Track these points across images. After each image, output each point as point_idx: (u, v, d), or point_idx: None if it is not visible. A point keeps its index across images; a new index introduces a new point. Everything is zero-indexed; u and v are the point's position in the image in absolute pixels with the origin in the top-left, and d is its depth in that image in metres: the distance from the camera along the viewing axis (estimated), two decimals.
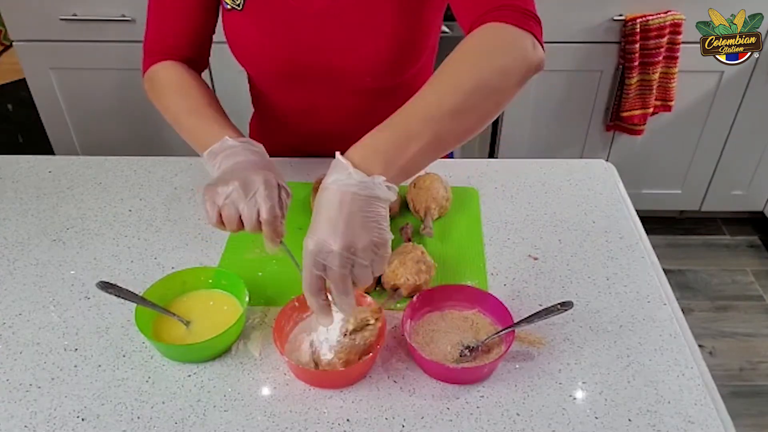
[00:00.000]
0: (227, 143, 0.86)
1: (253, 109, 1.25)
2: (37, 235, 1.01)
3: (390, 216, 1.03)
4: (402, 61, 1.00)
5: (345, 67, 1.00)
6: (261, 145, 0.89)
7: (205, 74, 1.10)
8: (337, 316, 0.77)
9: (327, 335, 0.77)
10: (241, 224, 0.79)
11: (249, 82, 1.17)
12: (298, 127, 1.15)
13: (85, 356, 0.81)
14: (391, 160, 0.67)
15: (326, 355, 0.76)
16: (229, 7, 1.00)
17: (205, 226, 1.03)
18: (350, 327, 0.76)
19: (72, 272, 0.94)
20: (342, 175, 0.66)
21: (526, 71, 0.75)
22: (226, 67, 1.12)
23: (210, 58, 1.09)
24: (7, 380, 0.78)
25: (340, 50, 0.99)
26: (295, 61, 1.01)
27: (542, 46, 0.77)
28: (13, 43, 2.03)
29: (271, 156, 1.06)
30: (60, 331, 0.85)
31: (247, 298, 0.83)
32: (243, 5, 0.98)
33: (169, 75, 1.00)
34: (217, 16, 1.05)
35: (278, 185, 0.80)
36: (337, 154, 0.68)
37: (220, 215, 0.79)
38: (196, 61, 1.05)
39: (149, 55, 1.03)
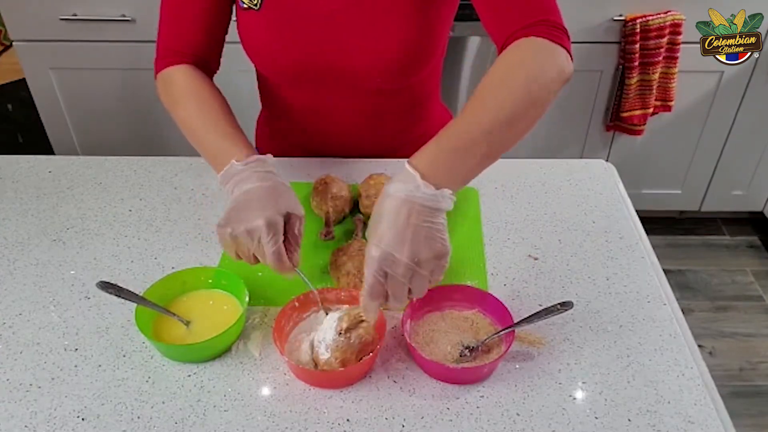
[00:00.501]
0: (234, 168, 0.84)
1: (260, 107, 1.25)
2: (37, 235, 1.01)
3: None
4: (412, 63, 1.01)
5: (357, 67, 1.01)
6: (270, 161, 0.87)
7: None
8: (332, 315, 0.78)
9: (324, 335, 0.77)
10: (257, 260, 0.81)
11: (258, 80, 1.17)
12: (308, 126, 1.16)
13: (85, 356, 0.81)
14: (455, 171, 0.73)
15: (324, 354, 0.76)
16: (245, 6, 0.99)
17: (205, 226, 1.03)
18: (344, 325, 0.76)
19: (72, 272, 0.94)
20: (410, 186, 0.70)
21: (562, 83, 0.82)
22: (230, 66, 1.12)
23: None
24: (7, 380, 0.78)
25: (352, 51, 0.99)
26: (307, 62, 1.01)
27: (572, 58, 0.84)
28: (13, 43, 2.03)
29: (279, 155, 1.10)
30: (60, 331, 0.85)
31: (247, 298, 0.83)
32: (260, 5, 0.98)
33: (184, 82, 0.97)
34: (230, 16, 1.04)
35: (288, 215, 0.80)
36: (406, 163, 0.72)
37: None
38: (210, 63, 1.04)
39: (163, 56, 1.01)
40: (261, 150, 1.29)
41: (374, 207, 0.73)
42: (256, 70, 1.12)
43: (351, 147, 1.16)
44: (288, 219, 0.80)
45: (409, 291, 0.72)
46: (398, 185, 0.70)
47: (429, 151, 0.73)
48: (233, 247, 0.80)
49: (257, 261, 0.81)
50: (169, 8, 1.00)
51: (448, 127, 0.75)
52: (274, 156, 1.10)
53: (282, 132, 1.21)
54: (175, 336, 0.82)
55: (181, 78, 0.98)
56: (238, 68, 1.18)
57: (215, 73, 1.06)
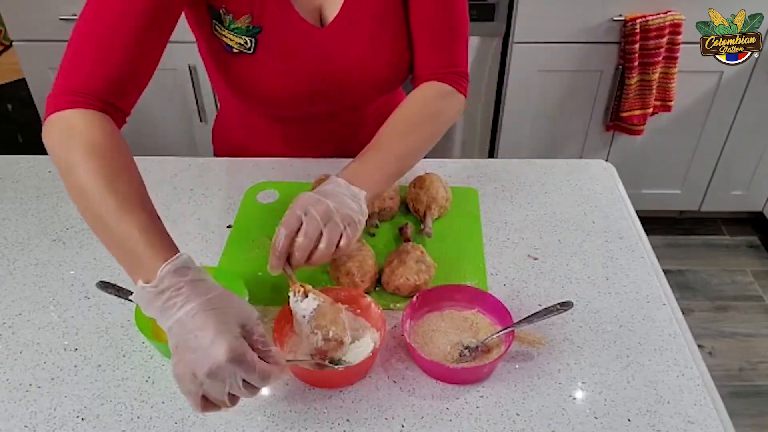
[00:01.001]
0: (164, 284, 0.65)
1: (214, 108, 1.25)
2: (37, 235, 1.01)
3: (389, 216, 1.04)
4: (396, 78, 1.07)
5: (358, 81, 1.04)
6: (187, 261, 0.67)
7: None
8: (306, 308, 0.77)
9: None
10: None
11: (217, 89, 1.17)
12: (280, 138, 1.17)
13: (85, 356, 0.81)
14: (369, 183, 0.85)
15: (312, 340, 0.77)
16: (236, 50, 0.97)
17: (205, 226, 1.03)
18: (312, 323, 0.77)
19: (72, 272, 0.94)
20: (334, 183, 0.83)
21: (455, 120, 1.05)
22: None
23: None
24: (7, 380, 0.78)
25: (348, 71, 1.02)
26: (305, 90, 1.03)
27: (466, 97, 1.05)
28: (13, 43, 2.03)
29: (254, 156, 1.18)
30: (60, 331, 0.85)
31: (246, 298, 0.83)
32: (254, 48, 0.96)
33: (91, 138, 0.74)
34: (160, 55, 0.87)
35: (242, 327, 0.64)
36: (333, 176, 0.85)
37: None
38: (121, 110, 0.83)
39: (62, 93, 0.79)
40: (218, 151, 1.28)
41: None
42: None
43: (329, 151, 1.19)
44: (243, 330, 0.64)
45: (315, 249, 0.77)
46: (325, 184, 0.83)
47: (352, 168, 0.87)
48: (200, 400, 0.64)
49: (236, 400, 0.65)
50: (83, 36, 0.82)
51: (367, 152, 0.90)
52: (238, 156, 1.18)
53: (246, 139, 1.20)
54: None
55: (85, 131, 0.75)
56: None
57: (124, 118, 0.86)
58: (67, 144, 0.75)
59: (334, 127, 1.14)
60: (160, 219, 0.72)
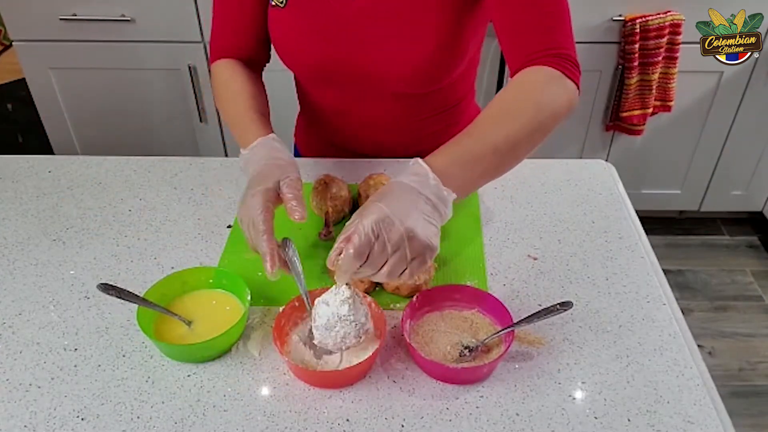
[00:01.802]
0: (243, 156, 0.92)
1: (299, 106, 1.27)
2: (37, 235, 1.01)
3: None
4: (436, 71, 1.00)
5: (379, 71, 1.01)
6: (272, 143, 0.90)
7: None
8: (321, 303, 0.76)
9: (328, 320, 0.75)
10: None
11: (294, 78, 1.18)
12: (336, 126, 1.16)
13: (85, 356, 0.81)
14: (460, 180, 0.75)
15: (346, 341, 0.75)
16: (273, 3, 1.02)
17: (205, 226, 1.03)
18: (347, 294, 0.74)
19: (72, 272, 0.94)
20: (421, 177, 0.73)
21: (568, 115, 0.87)
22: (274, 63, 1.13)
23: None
24: (7, 380, 0.78)
25: (375, 54, 0.99)
26: (331, 62, 1.02)
27: (579, 91, 0.89)
28: (13, 43, 2.04)
29: (315, 151, 1.21)
30: (60, 330, 0.85)
31: (248, 298, 0.83)
32: (286, 2, 1.00)
33: (222, 78, 1.05)
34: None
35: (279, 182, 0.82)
36: (418, 160, 0.75)
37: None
38: (255, 58, 1.09)
39: (213, 51, 1.09)
40: (299, 146, 1.30)
41: (381, 188, 0.74)
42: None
43: (384, 149, 1.16)
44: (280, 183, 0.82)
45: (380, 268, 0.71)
46: (410, 176, 0.73)
47: (440, 156, 0.76)
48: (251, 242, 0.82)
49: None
50: (217, 7, 1.07)
51: (460, 139, 0.79)
52: (312, 153, 1.19)
53: (315, 129, 1.22)
54: (176, 336, 0.82)
55: (221, 74, 1.06)
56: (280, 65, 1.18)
57: (264, 64, 1.12)
58: (214, 85, 1.08)
59: (382, 122, 1.10)
60: (260, 115, 0.97)
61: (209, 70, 1.08)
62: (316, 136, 1.23)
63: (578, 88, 0.88)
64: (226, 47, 1.07)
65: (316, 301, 0.77)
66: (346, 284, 0.74)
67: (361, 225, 0.69)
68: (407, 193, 0.72)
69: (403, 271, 0.71)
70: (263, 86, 1.08)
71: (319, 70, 1.05)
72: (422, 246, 0.70)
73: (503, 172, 0.83)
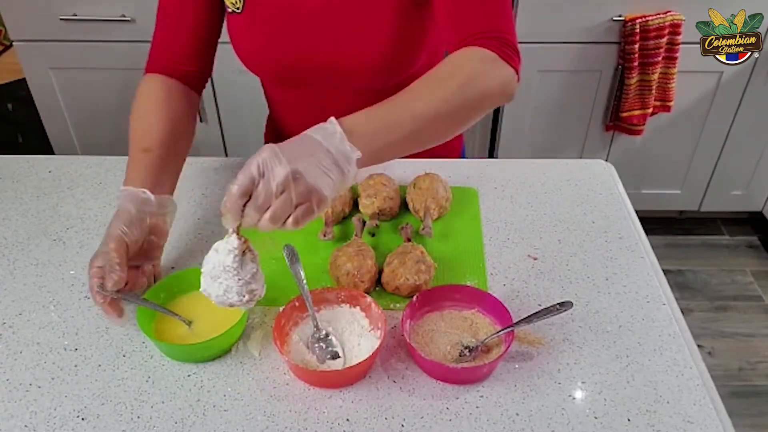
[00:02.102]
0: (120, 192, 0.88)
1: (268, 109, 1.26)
2: (38, 235, 1.02)
3: (389, 216, 1.04)
4: (396, 64, 1.00)
5: (341, 67, 1.01)
6: (130, 201, 0.86)
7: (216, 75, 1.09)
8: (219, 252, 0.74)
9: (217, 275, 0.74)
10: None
11: (260, 80, 1.18)
12: (303, 125, 1.15)
13: (85, 356, 0.81)
14: (372, 141, 0.73)
15: (231, 299, 0.74)
16: (230, 10, 1.01)
17: (205, 226, 1.03)
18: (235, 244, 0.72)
19: (72, 272, 0.94)
20: (328, 132, 0.71)
21: (500, 100, 0.85)
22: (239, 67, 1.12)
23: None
24: (7, 380, 0.79)
25: (334, 51, 1.00)
26: (292, 62, 1.02)
27: (519, 79, 0.86)
28: (13, 43, 2.03)
29: None
30: (60, 330, 0.85)
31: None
32: (242, 8, 0.99)
33: (141, 96, 1.00)
34: (222, 24, 1.05)
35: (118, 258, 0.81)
36: (331, 117, 0.73)
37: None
38: (196, 74, 1.05)
39: (150, 62, 1.03)
40: None
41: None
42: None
43: None
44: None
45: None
46: (318, 129, 0.72)
47: (356, 116, 0.74)
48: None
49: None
50: (160, 19, 1.02)
51: (381, 104, 0.76)
52: None
53: (283, 131, 1.21)
54: (176, 336, 0.82)
55: (141, 90, 1.01)
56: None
57: (205, 78, 1.07)
58: (135, 100, 1.00)
59: (346, 113, 1.10)
60: (155, 159, 0.91)
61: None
62: (285, 136, 1.22)
63: (517, 74, 0.85)
64: (162, 61, 1.02)
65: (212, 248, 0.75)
66: (237, 235, 0.72)
67: (248, 163, 0.68)
68: (307, 143, 0.70)
69: (288, 218, 0.68)
70: (187, 109, 1.02)
71: (281, 72, 1.05)
72: (308, 189, 0.68)
73: (423, 143, 0.79)
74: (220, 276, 0.73)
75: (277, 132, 1.24)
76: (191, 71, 1.04)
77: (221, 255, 0.73)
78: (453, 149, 1.26)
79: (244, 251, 0.73)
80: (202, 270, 0.75)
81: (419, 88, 0.78)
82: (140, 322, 0.80)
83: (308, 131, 0.72)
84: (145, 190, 0.87)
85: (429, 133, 0.79)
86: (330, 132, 0.71)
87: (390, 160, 0.77)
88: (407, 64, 1.02)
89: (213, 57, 1.07)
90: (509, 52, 0.84)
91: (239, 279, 0.73)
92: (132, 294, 0.83)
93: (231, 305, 0.75)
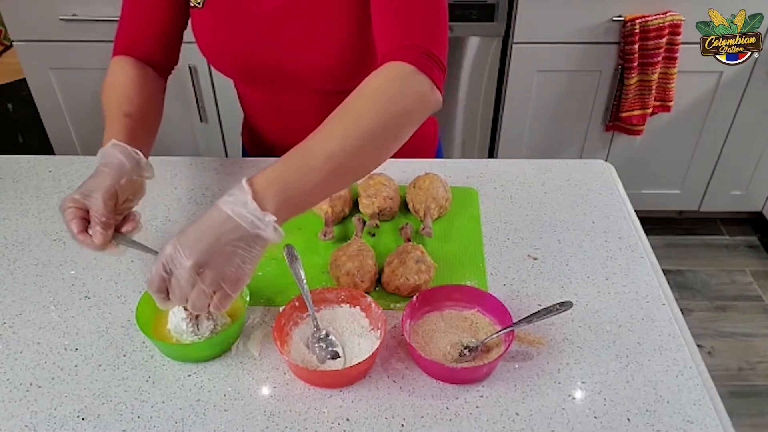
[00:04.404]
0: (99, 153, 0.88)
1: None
2: (38, 235, 1.02)
3: (389, 216, 1.04)
4: (354, 67, 0.99)
5: (298, 69, 1.02)
6: (121, 150, 0.86)
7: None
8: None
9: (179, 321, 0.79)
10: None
11: (234, 84, 1.19)
12: (271, 124, 1.18)
13: (85, 356, 0.81)
14: (288, 195, 0.69)
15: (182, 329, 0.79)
16: (192, 5, 1.02)
17: None
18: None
19: (72, 272, 0.94)
20: (239, 202, 0.67)
21: (422, 113, 0.81)
22: None
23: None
24: (8, 380, 0.79)
25: (292, 52, 1.00)
26: (252, 60, 1.03)
27: (440, 89, 0.82)
28: (13, 43, 2.03)
29: (261, 153, 1.19)
30: (60, 330, 0.85)
31: (247, 298, 0.83)
32: (203, 3, 1.00)
33: (112, 75, 1.00)
34: (188, 16, 1.06)
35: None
36: (243, 180, 0.69)
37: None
38: (158, 60, 1.05)
39: (115, 46, 1.04)
40: (245, 144, 1.31)
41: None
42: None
43: None
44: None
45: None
46: (228, 198, 0.68)
47: (269, 172, 0.70)
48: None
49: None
50: (127, 8, 1.03)
51: (293, 152, 0.73)
52: (256, 152, 1.18)
53: (255, 128, 1.22)
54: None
55: (112, 70, 1.01)
56: None
57: (171, 67, 1.08)
58: (105, 80, 1.01)
59: (314, 119, 1.08)
60: (134, 124, 0.92)
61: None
62: (257, 134, 1.23)
63: (437, 85, 0.82)
64: (129, 45, 1.02)
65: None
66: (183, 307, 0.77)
67: (156, 260, 0.68)
68: (213, 220, 0.67)
69: (210, 303, 0.68)
70: (160, 91, 1.04)
71: (242, 70, 1.06)
72: (216, 279, 0.66)
73: (348, 179, 0.78)
74: (183, 333, 0.80)
75: (250, 131, 1.25)
76: (157, 60, 1.04)
77: (177, 318, 0.79)
78: (426, 150, 1.25)
79: (197, 315, 0.78)
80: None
81: (331, 126, 0.75)
82: (139, 321, 0.80)
83: (219, 202, 0.69)
84: (138, 150, 0.87)
85: (351, 169, 0.75)
86: (241, 201, 0.67)
87: (318, 203, 0.76)
88: (365, 67, 0.99)
89: (179, 47, 1.07)
90: (428, 63, 0.81)
91: (199, 338, 0.79)
92: (145, 247, 0.82)
93: (182, 335, 0.80)
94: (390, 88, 0.79)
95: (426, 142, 1.25)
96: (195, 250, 0.66)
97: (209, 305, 0.68)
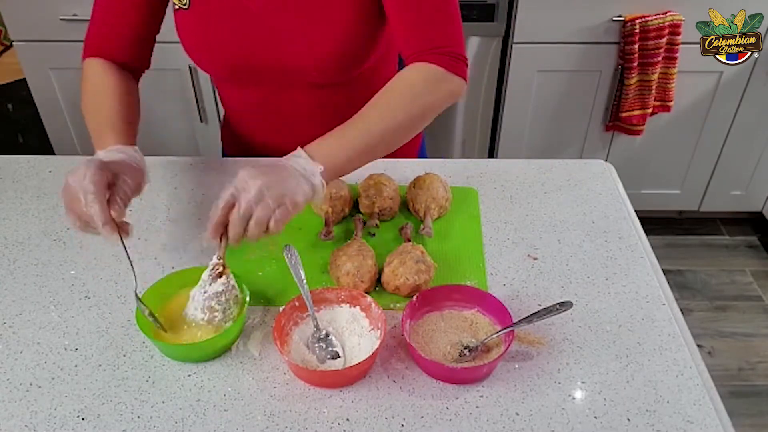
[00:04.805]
0: (99, 155, 0.89)
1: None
2: (38, 235, 1.02)
3: (389, 216, 1.04)
4: (349, 59, 1.01)
5: (293, 62, 1.01)
6: (132, 152, 0.90)
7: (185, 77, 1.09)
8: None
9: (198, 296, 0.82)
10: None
11: (211, 80, 1.18)
12: (258, 124, 1.17)
13: (85, 356, 0.81)
14: (332, 159, 0.84)
15: (195, 315, 0.81)
16: (177, 6, 1.01)
17: (205, 226, 1.03)
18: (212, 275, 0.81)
19: (72, 272, 0.94)
20: (294, 155, 0.83)
21: (449, 103, 0.95)
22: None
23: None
24: (8, 380, 0.79)
25: (287, 45, 1.00)
26: (245, 58, 1.02)
27: (467, 80, 0.96)
28: (13, 43, 2.03)
29: (243, 154, 1.19)
30: (60, 330, 0.85)
31: (247, 298, 0.83)
32: (189, 4, 1.00)
33: (93, 77, 1.01)
34: (162, 20, 1.05)
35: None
36: (298, 148, 0.84)
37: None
38: (131, 63, 1.05)
39: (87, 48, 1.03)
40: (225, 147, 1.30)
41: None
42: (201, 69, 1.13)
43: (302, 140, 1.16)
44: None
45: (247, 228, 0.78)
46: (286, 157, 0.83)
47: (317, 142, 0.86)
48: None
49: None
50: (98, 9, 1.03)
51: (341, 127, 0.87)
52: (238, 154, 1.19)
53: (238, 129, 1.22)
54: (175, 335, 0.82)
55: (90, 72, 1.01)
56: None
57: (142, 71, 1.09)
58: (83, 82, 1.02)
59: (303, 115, 1.11)
60: (121, 123, 0.94)
61: (82, 62, 1.03)
62: (241, 135, 1.22)
63: (465, 79, 0.95)
64: (103, 48, 1.02)
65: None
66: (217, 255, 0.82)
67: (227, 185, 0.79)
68: (275, 165, 0.81)
69: (269, 221, 0.77)
70: (137, 93, 1.05)
71: (234, 68, 1.05)
72: (281, 194, 0.78)
73: (377, 155, 0.90)
74: (196, 294, 0.82)
75: (233, 132, 1.24)
76: (129, 63, 1.04)
77: (203, 275, 0.82)
78: (409, 151, 1.26)
79: (220, 273, 0.81)
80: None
81: (369, 112, 0.89)
82: (139, 322, 0.80)
83: (278, 159, 0.83)
84: (136, 148, 0.91)
85: (384, 147, 0.90)
86: (296, 155, 0.83)
87: (351, 171, 0.88)
88: (361, 59, 1.03)
89: (152, 50, 1.07)
90: (456, 63, 0.94)
91: (204, 292, 0.81)
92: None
93: (194, 320, 0.82)
94: (425, 87, 0.92)
95: (413, 142, 1.26)
96: (262, 174, 0.78)
97: (268, 225, 0.77)
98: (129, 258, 0.83)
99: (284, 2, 0.97)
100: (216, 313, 0.81)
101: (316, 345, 0.80)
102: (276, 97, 1.09)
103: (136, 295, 0.82)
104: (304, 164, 0.81)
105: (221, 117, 1.28)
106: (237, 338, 0.83)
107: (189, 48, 1.05)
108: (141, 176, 0.88)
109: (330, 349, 0.80)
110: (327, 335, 0.81)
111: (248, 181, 0.77)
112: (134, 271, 0.83)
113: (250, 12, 0.99)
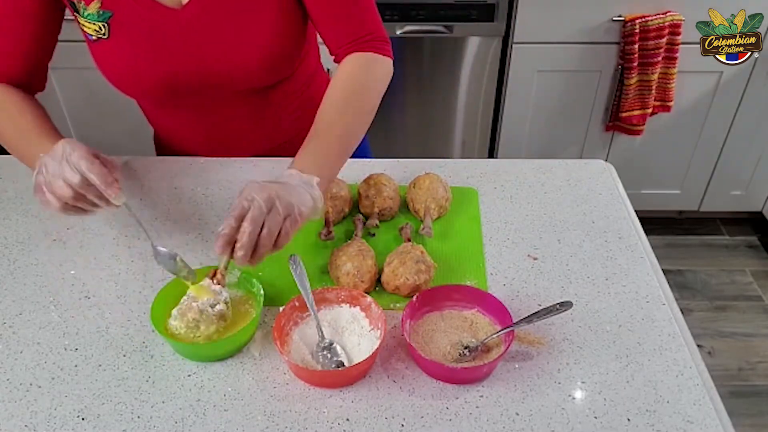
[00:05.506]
0: (42, 160, 0.87)
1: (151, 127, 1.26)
2: (38, 235, 1.02)
3: (389, 216, 1.04)
4: (281, 60, 1.04)
5: (224, 72, 1.02)
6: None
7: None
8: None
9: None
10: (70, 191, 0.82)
11: (137, 102, 1.17)
12: (194, 139, 1.17)
13: (85, 356, 0.81)
14: (320, 168, 0.87)
15: (172, 321, 0.81)
16: (94, 38, 1.00)
17: (205, 226, 1.03)
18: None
19: (72, 272, 0.94)
20: (286, 174, 0.85)
21: (387, 83, 1.03)
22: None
23: None
24: (8, 380, 0.79)
25: (216, 56, 1.00)
26: (174, 77, 1.02)
27: (393, 58, 1.04)
28: None
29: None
30: (60, 330, 0.85)
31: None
32: (108, 33, 0.98)
33: (4, 104, 1.00)
34: (55, 41, 1.05)
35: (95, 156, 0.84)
36: (286, 167, 0.87)
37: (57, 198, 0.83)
38: (29, 84, 1.05)
39: None
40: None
41: None
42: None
43: (249, 146, 1.18)
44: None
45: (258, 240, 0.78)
46: (277, 177, 0.85)
47: (299, 158, 0.88)
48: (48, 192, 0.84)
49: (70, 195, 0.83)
50: None
51: (310, 139, 0.91)
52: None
53: (172, 146, 1.22)
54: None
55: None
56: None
57: (37, 91, 1.08)
58: None
59: (237, 121, 1.12)
60: (50, 130, 0.97)
61: None
62: (172, 148, 1.23)
63: (391, 57, 1.03)
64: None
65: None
66: (221, 284, 0.83)
67: (237, 198, 0.80)
68: (278, 181, 0.83)
69: (280, 232, 0.78)
70: (43, 108, 1.03)
71: (163, 90, 1.04)
72: (289, 203, 0.79)
73: (353, 148, 0.95)
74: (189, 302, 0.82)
75: (164, 146, 1.24)
76: (25, 83, 1.04)
77: (180, 318, 0.81)
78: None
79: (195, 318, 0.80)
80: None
81: (330, 115, 0.94)
82: (154, 320, 0.80)
83: (271, 178, 0.84)
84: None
85: (354, 141, 0.95)
86: (287, 174, 0.84)
87: (336, 174, 0.94)
88: (292, 59, 1.05)
89: (46, 73, 1.08)
90: (382, 46, 1.02)
91: (197, 336, 0.81)
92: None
93: (179, 328, 0.81)
94: (365, 75, 0.99)
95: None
96: (270, 186, 0.80)
97: (279, 235, 0.78)
98: (137, 218, 0.85)
99: (210, 11, 0.97)
100: (198, 327, 0.81)
101: (320, 354, 0.80)
102: (210, 110, 1.09)
103: (154, 247, 0.85)
104: (299, 177, 0.84)
105: (152, 135, 1.28)
106: (251, 337, 0.83)
107: (113, 77, 1.03)
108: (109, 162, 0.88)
109: (335, 358, 0.79)
110: (331, 344, 0.81)
111: (258, 192, 0.78)
112: (144, 228, 0.86)
113: (176, 28, 0.98)
